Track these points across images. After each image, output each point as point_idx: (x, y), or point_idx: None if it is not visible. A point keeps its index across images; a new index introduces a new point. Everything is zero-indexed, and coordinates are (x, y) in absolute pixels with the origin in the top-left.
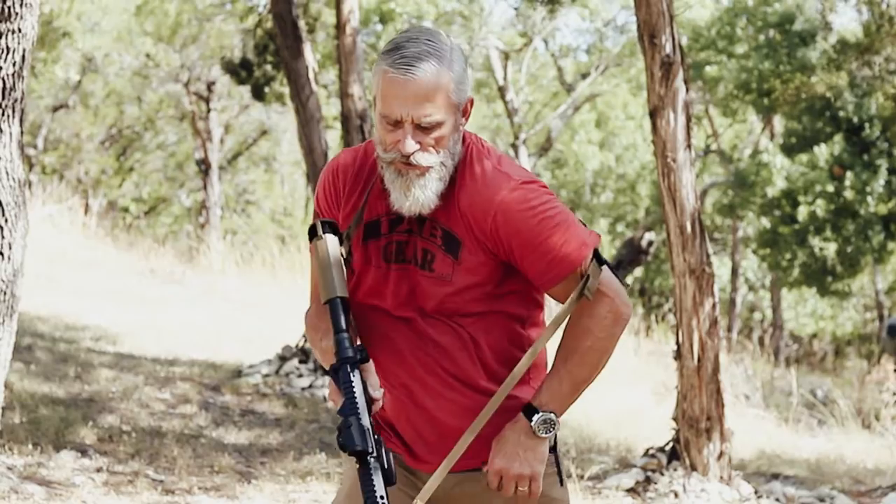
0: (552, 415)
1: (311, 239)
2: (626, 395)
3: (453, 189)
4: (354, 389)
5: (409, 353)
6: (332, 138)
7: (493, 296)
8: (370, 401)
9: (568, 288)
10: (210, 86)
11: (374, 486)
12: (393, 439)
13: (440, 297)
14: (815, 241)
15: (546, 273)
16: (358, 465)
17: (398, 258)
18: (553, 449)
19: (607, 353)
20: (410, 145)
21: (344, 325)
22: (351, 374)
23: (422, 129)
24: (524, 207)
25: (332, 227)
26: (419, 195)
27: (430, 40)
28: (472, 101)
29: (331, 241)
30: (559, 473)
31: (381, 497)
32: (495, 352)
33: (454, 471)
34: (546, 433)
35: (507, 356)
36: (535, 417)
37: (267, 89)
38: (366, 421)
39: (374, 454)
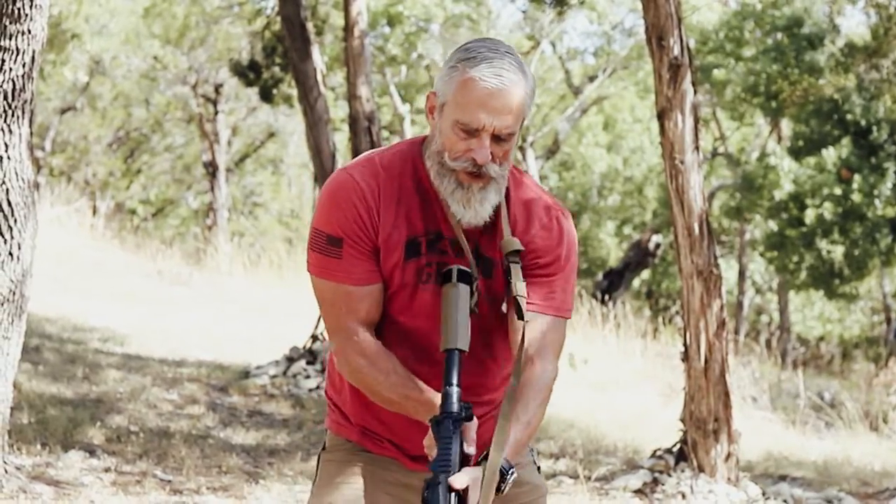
0: (514, 471)
1: (443, 282)
2: (634, 397)
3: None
4: (451, 446)
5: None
6: (340, 140)
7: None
8: (464, 458)
9: (541, 326)
10: (218, 88)
11: None
12: (385, 444)
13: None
14: (823, 244)
15: (556, 303)
16: None
17: (438, 279)
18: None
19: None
20: (486, 155)
21: (456, 380)
22: (452, 430)
23: (496, 139)
24: (572, 238)
25: (465, 277)
26: (479, 208)
27: (509, 52)
28: (529, 115)
29: (463, 291)
30: (535, 462)
31: None
32: (502, 364)
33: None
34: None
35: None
36: (510, 477)
37: (275, 91)
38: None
39: None
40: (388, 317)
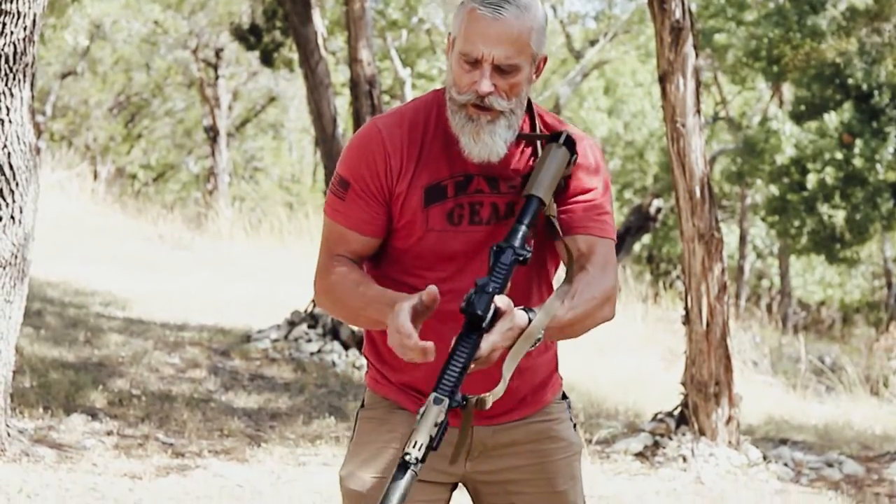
0: (540, 339)
1: (548, 141)
2: (635, 361)
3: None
4: (505, 274)
5: None
6: (341, 104)
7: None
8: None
9: (588, 244)
10: (218, 52)
11: (464, 356)
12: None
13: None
14: (824, 209)
15: (587, 221)
16: (463, 329)
17: (472, 220)
18: (565, 396)
19: (588, 327)
20: (487, 85)
21: (527, 221)
22: (510, 262)
23: (500, 72)
24: (605, 167)
25: (570, 144)
26: (488, 140)
27: None
28: (545, 59)
29: (562, 154)
30: (571, 419)
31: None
32: (544, 296)
33: (490, 424)
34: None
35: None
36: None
37: (276, 55)
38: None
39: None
40: (416, 275)
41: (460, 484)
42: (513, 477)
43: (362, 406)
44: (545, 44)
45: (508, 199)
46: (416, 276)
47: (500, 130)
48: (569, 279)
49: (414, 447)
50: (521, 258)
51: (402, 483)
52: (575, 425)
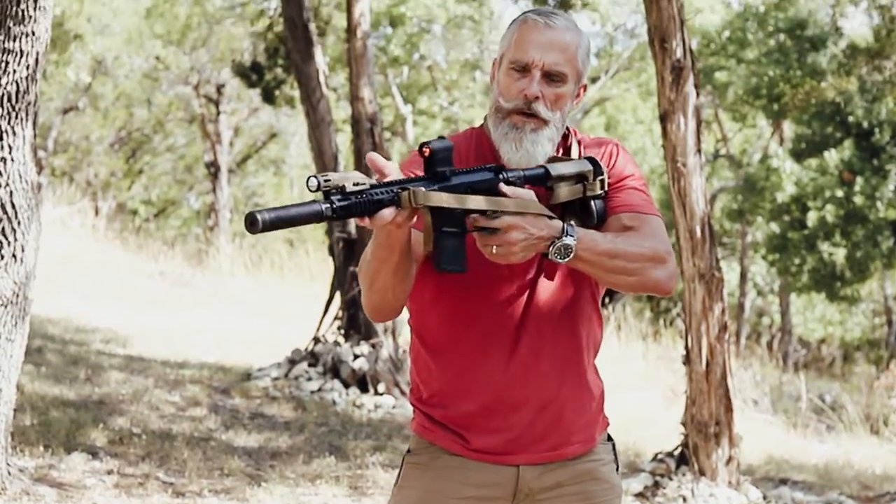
0: (573, 248)
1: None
2: (635, 400)
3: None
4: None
5: (534, 320)
6: (342, 141)
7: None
8: None
9: (633, 220)
10: (220, 88)
11: None
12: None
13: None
14: (825, 247)
15: (636, 202)
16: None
17: None
18: (610, 438)
19: (635, 274)
20: (535, 88)
21: (525, 174)
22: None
23: (547, 80)
24: (636, 163)
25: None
26: (530, 148)
27: (565, 16)
28: (585, 87)
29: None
30: (616, 461)
31: None
32: (585, 348)
33: (537, 462)
34: (556, 254)
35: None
36: (565, 237)
37: (277, 92)
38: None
39: None
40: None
41: None
42: None
43: (408, 451)
44: (588, 70)
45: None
46: (453, 297)
47: (542, 140)
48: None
49: None
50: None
51: None
52: (617, 468)
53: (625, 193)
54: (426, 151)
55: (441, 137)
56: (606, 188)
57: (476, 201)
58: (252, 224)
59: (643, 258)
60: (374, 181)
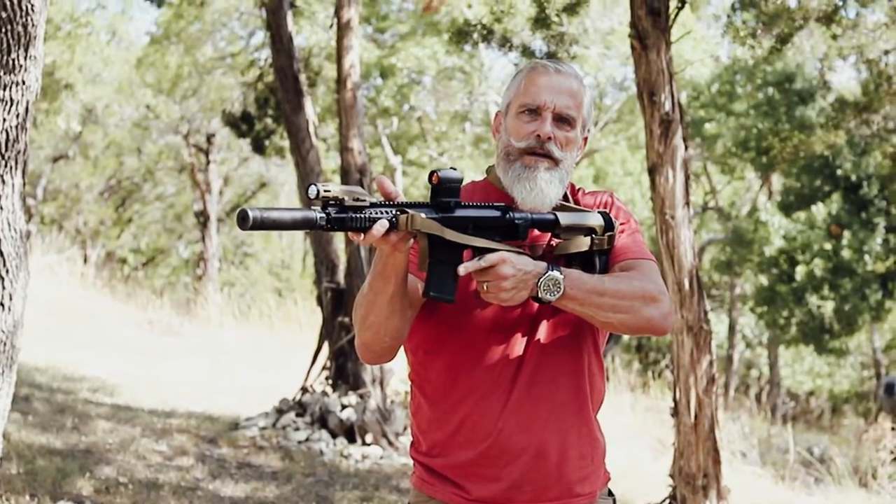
0: (562, 283)
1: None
2: (623, 451)
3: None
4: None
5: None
6: None
7: None
8: None
9: (630, 266)
10: (210, 138)
11: None
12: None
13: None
14: (813, 299)
15: (629, 247)
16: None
17: None
18: (611, 493)
19: (626, 312)
20: (549, 127)
21: (532, 219)
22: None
23: (558, 122)
24: (623, 204)
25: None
26: (544, 187)
27: (572, 66)
28: (587, 139)
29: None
30: None
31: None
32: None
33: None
34: (546, 291)
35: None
36: (551, 272)
37: (267, 142)
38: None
39: None
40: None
41: None
42: None
43: None
44: (591, 120)
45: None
46: (453, 347)
47: (554, 181)
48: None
49: None
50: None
51: None
52: None
53: (623, 240)
54: (434, 179)
55: (453, 168)
56: (614, 244)
57: (470, 239)
58: (243, 220)
59: (633, 296)
60: (375, 199)
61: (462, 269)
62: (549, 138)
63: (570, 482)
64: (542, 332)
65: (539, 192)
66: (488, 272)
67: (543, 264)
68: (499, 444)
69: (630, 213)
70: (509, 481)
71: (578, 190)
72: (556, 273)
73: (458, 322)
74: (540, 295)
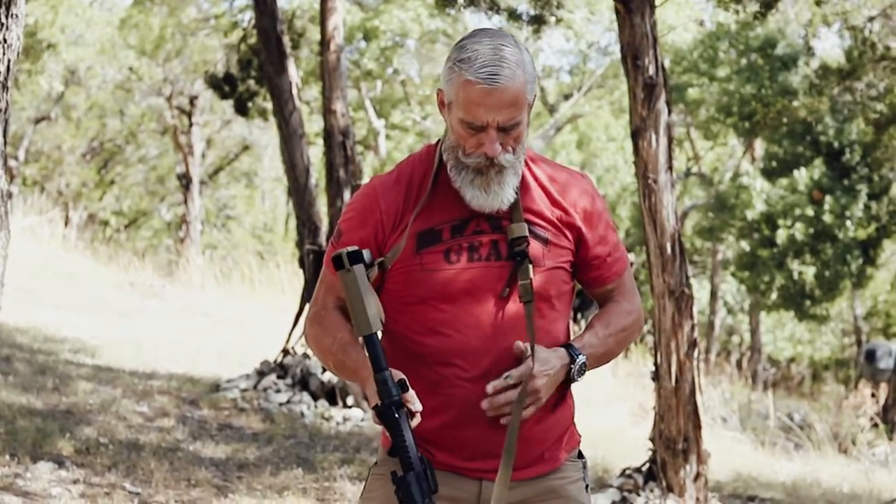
0: (586, 363)
1: (336, 269)
2: (604, 416)
3: (527, 181)
4: (404, 435)
5: (497, 339)
6: (315, 154)
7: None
8: (413, 435)
9: (617, 285)
10: (192, 100)
11: None
12: (437, 454)
13: (531, 281)
14: (794, 265)
15: (611, 269)
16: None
17: (471, 258)
18: (581, 455)
19: (626, 342)
20: (495, 149)
21: (384, 364)
22: (398, 416)
23: (503, 130)
24: (594, 190)
25: (357, 258)
26: (498, 190)
27: (503, 45)
28: (535, 96)
29: (359, 273)
30: (585, 480)
31: None
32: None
33: (516, 479)
34: (578, 376)
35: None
36: (579, 359)
37: (250, 104)
38: (419, 468)
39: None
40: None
41: None
42: None
43: (375, 464)
44: (536, 86)
45: (503, 238)
46: (420, 322)
47: (508, 179)
48: (602, 313)
49: None
50: (400, 403)
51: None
52: (587, 486)
53: (606, 258)
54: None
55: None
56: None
57: None
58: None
59: (628, 329)
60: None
61: (490, 388)
62: (498, 154)
63: (536, 449)
64: (513, 301)
65: (494, 195)
66: (529, 398)
67: (564, 353)
68: (465, 412)
69: (599, 199)
70: (474, 447)
71: (539, 161)
72: (581, 358)
73: (429, 288)
74: (573, 377)
